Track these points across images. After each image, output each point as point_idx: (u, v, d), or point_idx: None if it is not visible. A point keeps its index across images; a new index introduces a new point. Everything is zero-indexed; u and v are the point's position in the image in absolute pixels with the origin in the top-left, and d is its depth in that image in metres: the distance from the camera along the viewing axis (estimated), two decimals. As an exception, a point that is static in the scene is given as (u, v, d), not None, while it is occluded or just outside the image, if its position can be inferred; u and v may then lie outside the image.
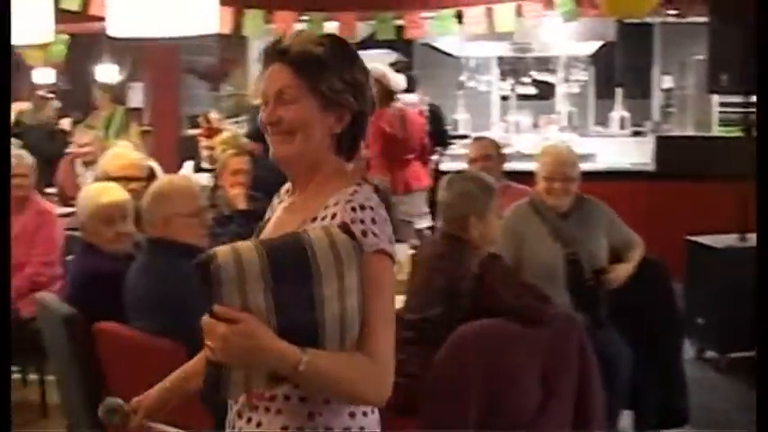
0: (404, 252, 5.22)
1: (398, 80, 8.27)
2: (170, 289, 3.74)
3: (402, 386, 4.03)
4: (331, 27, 8.33)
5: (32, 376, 6.18)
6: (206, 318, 2.00)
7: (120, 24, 5.94)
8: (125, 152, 6.20)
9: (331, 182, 2.22)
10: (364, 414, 2.19)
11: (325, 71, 2.19)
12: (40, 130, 9.45)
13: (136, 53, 12.70)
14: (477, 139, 6.86)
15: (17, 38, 7.16)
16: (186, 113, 11.66)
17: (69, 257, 5.47)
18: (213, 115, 8.85)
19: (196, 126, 9.35)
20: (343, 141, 2.25)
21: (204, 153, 7.98)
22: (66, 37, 10.91)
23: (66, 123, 11.72)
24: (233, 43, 11.16)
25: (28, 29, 6.96)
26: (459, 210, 4.20)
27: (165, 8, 5.73)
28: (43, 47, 11.24)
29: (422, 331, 4.10)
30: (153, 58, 11.31)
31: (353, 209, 2.11)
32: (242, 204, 5.94)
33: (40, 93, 11.18)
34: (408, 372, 4.05)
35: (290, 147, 2.21)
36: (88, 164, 8.21)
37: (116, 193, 4.57)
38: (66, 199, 7.85)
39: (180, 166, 8.66)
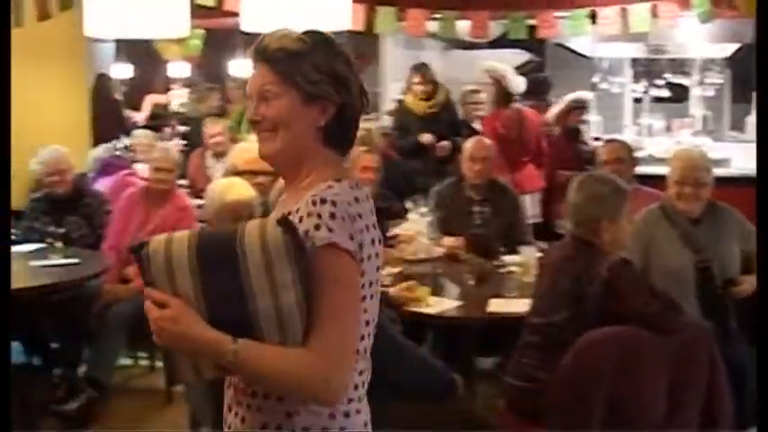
0: (531, 254, 5.18)
1: (518, 82, 8.20)
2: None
3: (528, 391, 4.03)
4: (463, 26, 8.29)
5: (160, 363, 6.29)
6: (146, 302, 2.08)
7: (253, 20, 6.03)
8: (253, 146, 6.22)
9: (320, 176, 2.19)
10: (346, 415, 2.18)
11: (301, 64, 2.18)
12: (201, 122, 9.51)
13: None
14: (608, 141, 6.76)
15: (155, 32, 7.36)
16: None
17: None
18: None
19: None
20: (331, 134, 2.23)
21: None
22: (201, 32, 11.09)
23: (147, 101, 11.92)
24: (364, 40, 11.17)
25: (165, 24, 7.12)
26: (589, 212, 4.11)
27: (299, 4, 5.81)
28: (180, 41, 11.48)
29: (547, 336, 4.04)
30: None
31: (314, 203, 2.08)
32: (371, 200, 5.96)
33: (206, 84, 11.32)
34: (534, 377, 4.02)
35: (274, 144, 2.22)
36: (218, 156, 8.34)
37: (242, 191, 4.60)
38: (197, 191, 7.98)
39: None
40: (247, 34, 6.47)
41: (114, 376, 5.96)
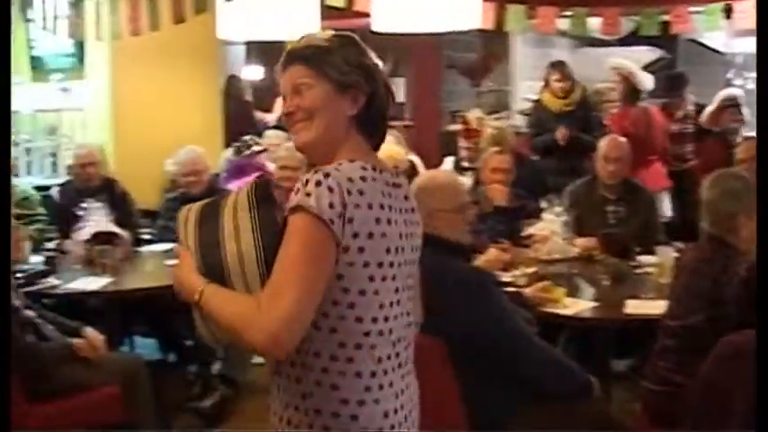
0: (667, 255, 5.06)
1: (645, 79, 8.05)
2: (431, 286, 3.72)
3: (665, 395, 3.93)
4: (594, 22, 8.17)
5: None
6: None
7: (385, 20, 6.05)
8: (386, 146, 6.26)
9: (344, 159, 2.28)
10: (360, 403, 2.21)
11: (332, 57, 2.29)
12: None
13: (397, 49, 12.88)
14: (746, 138, 6.57)
15: (286, 34, 7.42)
16: (447, 109, 11.70)
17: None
18: (472, 115, 8.83)
19: (457, 122, 9.36)
20: (363, 123, 2.32)
21: (463, 153, 7.98)
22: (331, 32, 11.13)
23: (277, 104, 11.94)
24: (494, 39, 11.10)
25: (296, 25, 7.18)
26: (725, 208, 3.98)
27: (430, 4, 5.80)
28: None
29: (684, 339, 3.93)
30: (416, 54, 11.42)
31: (310, 173, 2.17)
32: (502, 201, 5.92)
33: None
34: (671, 381, 3.92)
35: (309, 133, 2.31)
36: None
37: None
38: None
39: (440, 162, 8.70)
40: (377, 34, 6.51)
41: (247, 374, 6.00)
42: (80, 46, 8.02)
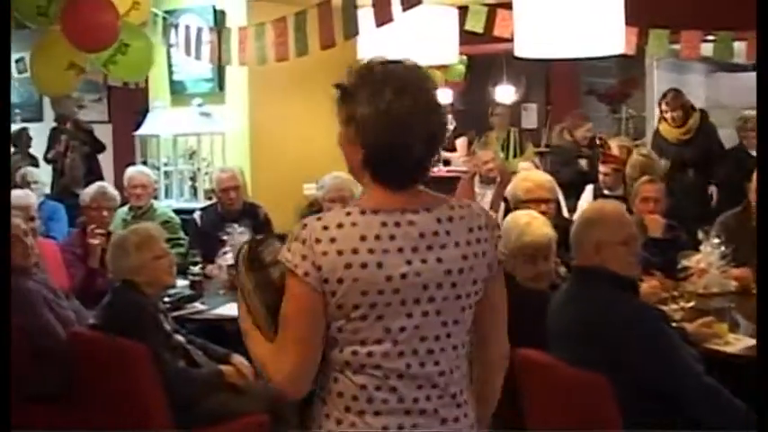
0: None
1: None
2: (599, 321, 3.60)
3: None
4: (740, 47, 7.94)
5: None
6: None
7: (527, 45, 5.94)
8: (534, 175, 6.16)
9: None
10: (338, 422, 2.37)
11: (340, 104, 2.42)
12: (561, 153, 9.44)
13: (531, 74, 12.74)
14: None
15: (425, 59, 7.34)
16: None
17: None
18: (612, 141, 8.65)
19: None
20: (372, 170, 2.38)
21: (601, 178, 7.81)
22: (464, 58, 11.10)
23: (460, 144, 11.94)
24: (632, 64, 10.90)
25: (435, 50, 7.13)
26: None
27: (574, 30, 5.68)
28: (443, 67, 11.52)
29: None
30: (554, 79, 11.28)
31: (297, 225, 2.35)
32: (656, 232, 5.75)
33: (578, 111, 11.26)
34: None
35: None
36: (488, 182, 8.30)
37: (541, 231, 4.46)
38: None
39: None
40: (517, 59, 6.40)
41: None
42: (220, 70, 8.08)
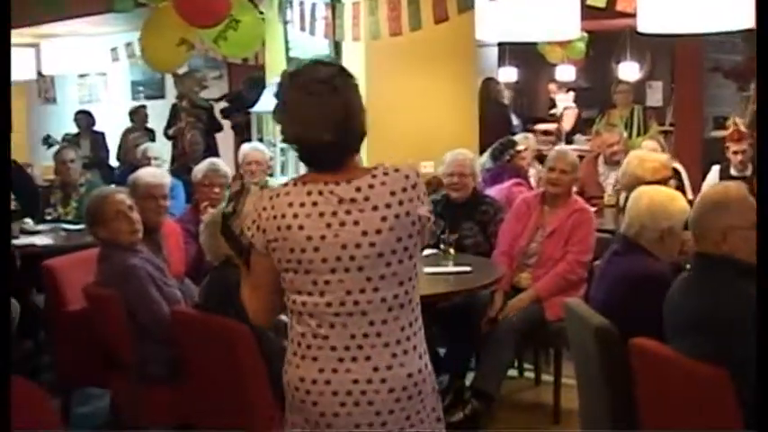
0: None
1: None
2: (722, 311, 3.38)
3: None
4: None
5: (547, 377, 6.08)
6: None
7: (651, 21, 5.71)
8: (652, 155, 5.97)
9: None
10: (288, 363, 2.82)
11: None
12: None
13: (656, 51, 12.40)
14: None
15: (546, 35, 7.16)
16: (711, 114, 11.17)
17: (597, 262, 5.31)
18: (740, 119, 8.32)
19: (721, 127, 8.87)
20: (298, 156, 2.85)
21: (733, 158, 7.51)
22: (586, 34, 10.85)
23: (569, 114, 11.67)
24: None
25: (556, 26, 6.92)
26: None
27: (700, 3, 5.43)
28: (565, 44, 11.29)
29: None
30: (679, 56, 10.96)
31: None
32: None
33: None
34: None
35: None
36: (612, 164, 8.08)
37: (686, 207, 4.26)
38: (587, 198, 7.73)
39: (704, 170, 8.24)
40: (640, 35, 6.16)
41: (501, 387, 5.74)
42: (336, 47, 8.00)
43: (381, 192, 2.70)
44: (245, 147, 7.51)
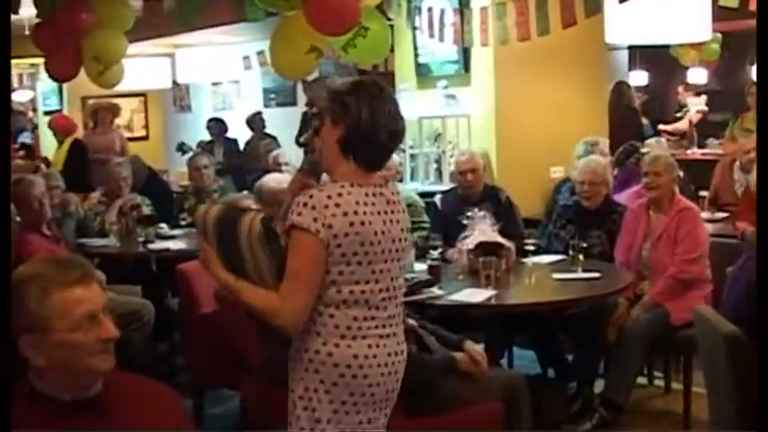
0: None
1: None
2: None
3: None
4: None
5: (677, 385, 5.98)
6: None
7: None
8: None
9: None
10: (335, 345, 3.19)
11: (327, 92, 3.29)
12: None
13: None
14: None
15: (676, 37, 7.05)
16: None
17: (729, 269, 5.21)
18: None
19: None
20: (348, 149, 3.23)
21: None
22: (719, 35, 10.64)
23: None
24: None
25: (686, 28, 6.81)
26: None
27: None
28: (698, 46, 11.09)
29: None
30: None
31: (300, 197, 3.17)
32: None
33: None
34: None
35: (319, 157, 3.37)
36: (747, 171, 7.89)
37: None
38: (720, 205, 7.62)
39: None
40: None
41: (630, 396, 5.66)
42: (465, 52, 8.01)
43: (399, 200, 3.35)
44: (375, 152, 7.55)
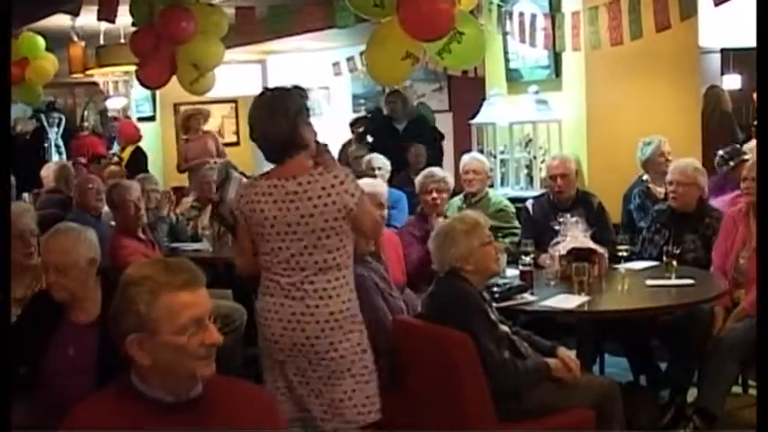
0: None
1: None
2: None
3: None
4: None
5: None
6: None
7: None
8: None
9: None
10: (262, 294, 4.28)
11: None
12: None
13: None
14: None
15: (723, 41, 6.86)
16: None
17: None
18: None
19: None
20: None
21: None
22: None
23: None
24: None
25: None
26: None
27: None
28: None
29: None
30: None
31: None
32: None
33: None
34: None
35: None
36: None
37: None
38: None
39: None
40: None
41: (725, 405, 5.55)
42: (556, 57, 7.97)
43: (315, 187, 4.01)
44: (465, 157, 7.57)
